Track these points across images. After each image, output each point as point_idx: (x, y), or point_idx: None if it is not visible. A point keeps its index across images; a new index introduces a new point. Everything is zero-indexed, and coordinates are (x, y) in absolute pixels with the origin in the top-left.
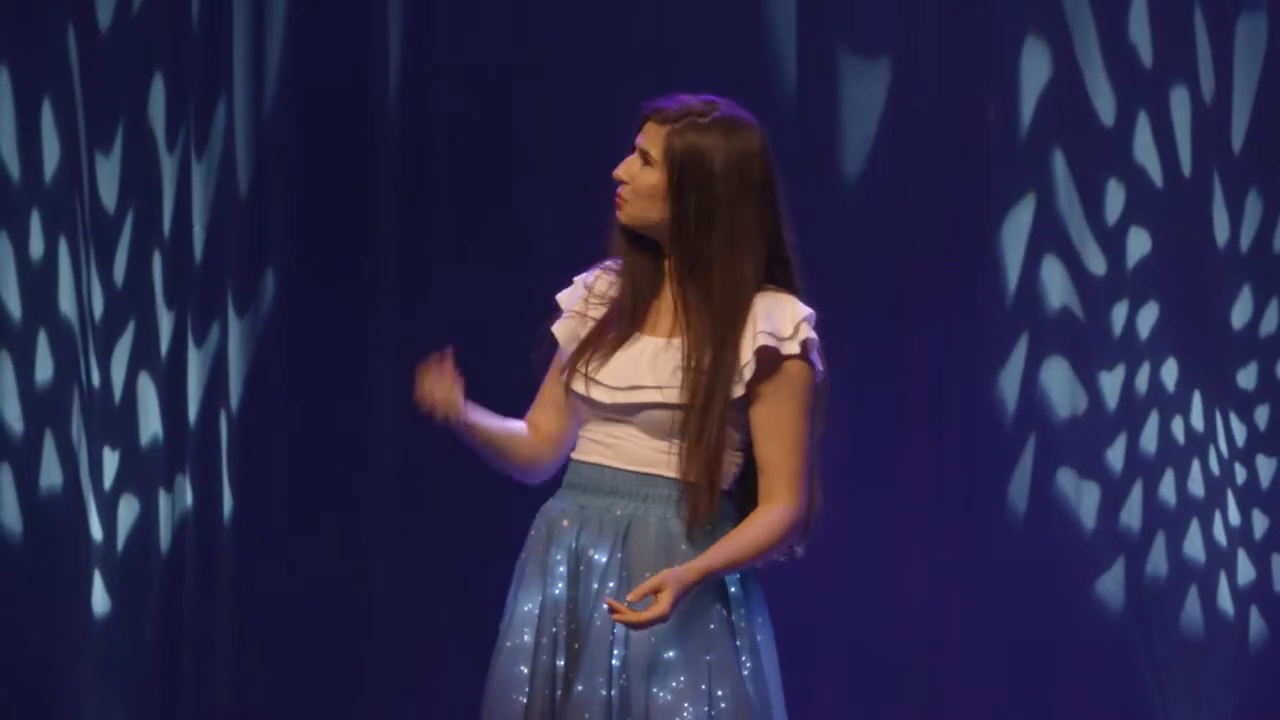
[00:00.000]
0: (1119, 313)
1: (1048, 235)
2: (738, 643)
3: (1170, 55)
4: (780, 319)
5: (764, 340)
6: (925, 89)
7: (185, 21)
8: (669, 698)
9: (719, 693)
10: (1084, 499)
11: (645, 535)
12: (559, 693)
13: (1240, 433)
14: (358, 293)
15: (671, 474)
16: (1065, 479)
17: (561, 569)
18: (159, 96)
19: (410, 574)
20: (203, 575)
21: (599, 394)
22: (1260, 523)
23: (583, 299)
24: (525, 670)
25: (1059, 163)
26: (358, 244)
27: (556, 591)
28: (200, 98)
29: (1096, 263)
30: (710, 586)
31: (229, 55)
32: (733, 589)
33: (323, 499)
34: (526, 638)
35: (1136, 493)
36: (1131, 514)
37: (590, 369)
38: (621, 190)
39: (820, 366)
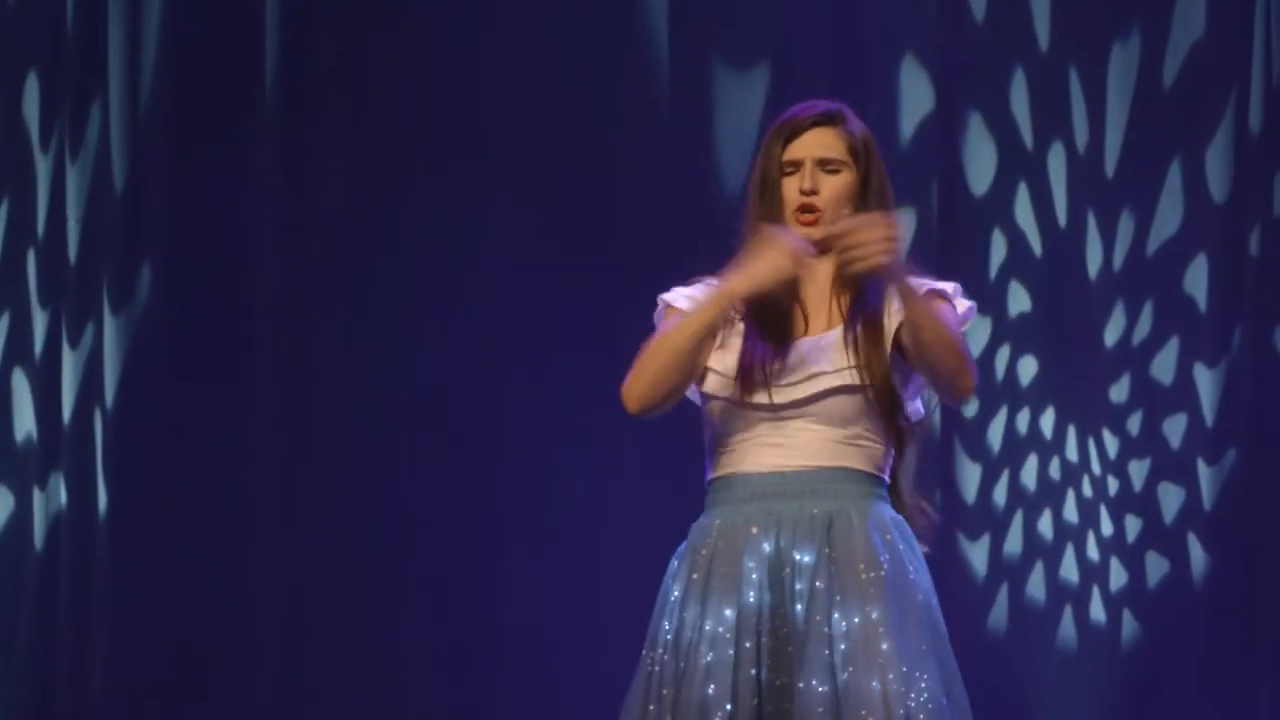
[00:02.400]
0: (1001, 359)
1: (927, 257)
2: (941, 630)
3: (1047, 118)
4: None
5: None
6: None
7: (60, 20)
8: (896, 686)
9: (937, 679)
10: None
11: (848, 529)
12: (761, 702)
13: (1113, 446)
14: (236, 290)
15: (859, 466)
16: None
17: (755, 576)
18: (33, 95)
19: (289, 576)
20: (77, 573)
21: (779, 396)
22: (1133, 527)
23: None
24: (719, 689)
25: (935, 197)
26: (236, 240)
27: (751, 600)
28: (75, 96)
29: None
30: (920, 579)
31: (104, 52)
32: (928, 579)
33: (200, 497)
34: (710, 657)
35: (1017, 522)
36: (1014, 543)
37: (767, 378)
38: (813, 202)
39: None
